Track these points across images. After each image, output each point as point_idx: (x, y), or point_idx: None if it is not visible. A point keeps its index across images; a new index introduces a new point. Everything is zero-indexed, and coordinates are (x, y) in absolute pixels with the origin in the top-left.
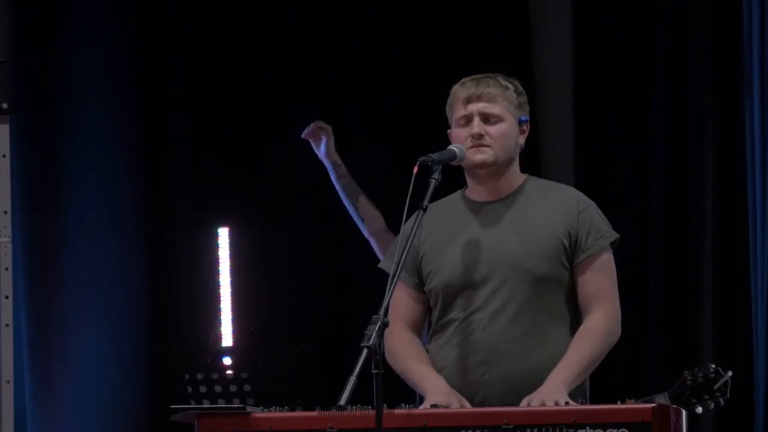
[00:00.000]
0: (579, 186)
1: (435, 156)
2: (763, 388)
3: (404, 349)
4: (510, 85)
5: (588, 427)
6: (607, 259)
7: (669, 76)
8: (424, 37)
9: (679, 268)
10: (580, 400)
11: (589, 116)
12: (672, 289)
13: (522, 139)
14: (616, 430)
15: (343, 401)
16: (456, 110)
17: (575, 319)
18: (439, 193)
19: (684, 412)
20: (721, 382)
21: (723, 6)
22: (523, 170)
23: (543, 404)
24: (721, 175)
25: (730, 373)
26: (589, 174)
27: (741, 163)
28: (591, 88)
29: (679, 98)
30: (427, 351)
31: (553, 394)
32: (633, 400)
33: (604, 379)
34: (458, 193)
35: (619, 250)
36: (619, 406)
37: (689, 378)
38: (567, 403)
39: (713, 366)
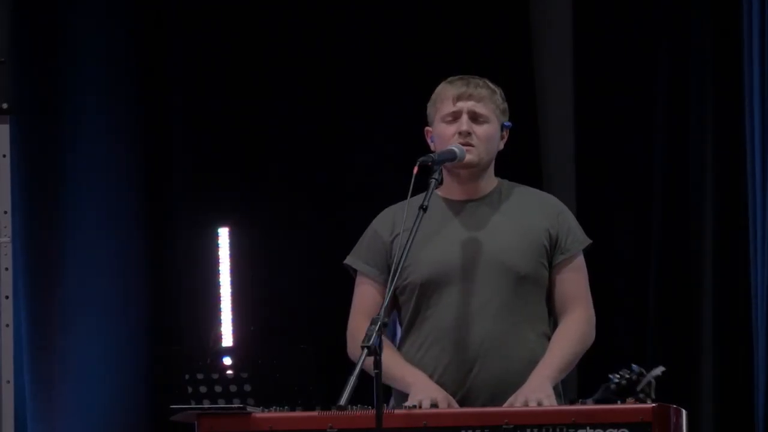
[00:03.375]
0: (579, 189)
1: (435, 156)
2: (763, 388)
3: None
4: (497, 89)
5: (588, 427)
6: (582, 262)
7: (669, 77)
8: (424, 38)
9: (680, 268)
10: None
11: (589, 117)
12: (672, 289)
13: (502, 145)
14: (616, 430)
15: (343, 401)
16: (443, 107)
17: (550, 318)
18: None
19: (684, 412)
20: (644, 383)
21: (723, 7)
22: (523, 173)
23: (526, 404)
24: (721, 174)
25: (656, 372)
26: (589, 176)
27: (741, 163)
28: (591, 88)
29: (679, 98)
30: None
31: (536, 391)
32: (633, 399)
33: (603, 379)
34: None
35: (620, 251)
36: (619, 406)
37: (613, 382)
38: (549, 396)
39: (636, 367)
